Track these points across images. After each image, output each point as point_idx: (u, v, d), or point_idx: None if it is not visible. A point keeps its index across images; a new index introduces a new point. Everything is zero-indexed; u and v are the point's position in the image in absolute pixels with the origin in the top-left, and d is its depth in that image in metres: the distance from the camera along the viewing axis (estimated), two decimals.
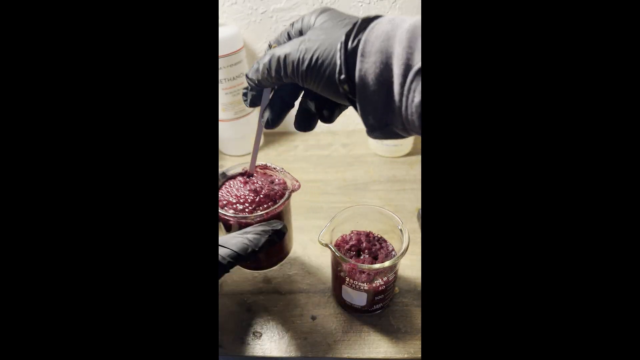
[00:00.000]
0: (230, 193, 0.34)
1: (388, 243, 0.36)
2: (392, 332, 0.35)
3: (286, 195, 0.34)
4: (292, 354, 0.33)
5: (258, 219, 0.32)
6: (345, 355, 0.33)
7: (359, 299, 0.34)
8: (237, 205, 0.32)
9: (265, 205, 0.32)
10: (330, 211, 0.49)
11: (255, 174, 0.36)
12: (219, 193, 0.34)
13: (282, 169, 0.36)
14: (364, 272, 0.32)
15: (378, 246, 0.36)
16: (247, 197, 0.32)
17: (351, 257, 0.35)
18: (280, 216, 0.35)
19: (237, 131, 0.60)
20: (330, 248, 0.32)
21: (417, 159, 0.59)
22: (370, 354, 0.33)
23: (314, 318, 0.36)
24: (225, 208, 0.33)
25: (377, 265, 0.30)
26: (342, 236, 0.36)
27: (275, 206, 0.33)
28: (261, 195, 0.33)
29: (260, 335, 0.35)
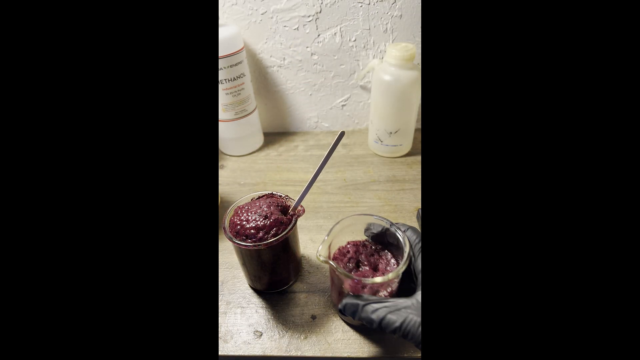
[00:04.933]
0: (240, 218, 0.34)
1: (386, 251, 0.35)
2: None
3: (293, 221, 0.34)
4: (292, 354, 0.33)
5: (270, 244, 0.32)
6: (345, 355, 0.33)
7: None
8: (249, 230, 0.33)
9: (275, 230, 0.33)
10: (330, 211, 0.49)
11: (261, 201, 0.36)
12: (229, 222, 0.34)
13: (287, 196, 0.37)
14: (366, 286, 0.31)
15: (376, 256, 0.34)
16: (257, 221, 0.33)
17: (350, 271, 0.33)
18: (289, 241, 0.35)
19: (237, 131, 0.60)
20: (330, 264, 0.30)
21: (417, 159, 0.59)
22: (370, 354, 0.33)
23: (314, 318, 0.36)
24: (237, 235, 0.33)
25: (379, 279, 0.29)
26: (339, 248, 0.35)
27: (286, 231, 0.33)
28: (273, 220, 0.33)
29: (260, 335, 0.35)
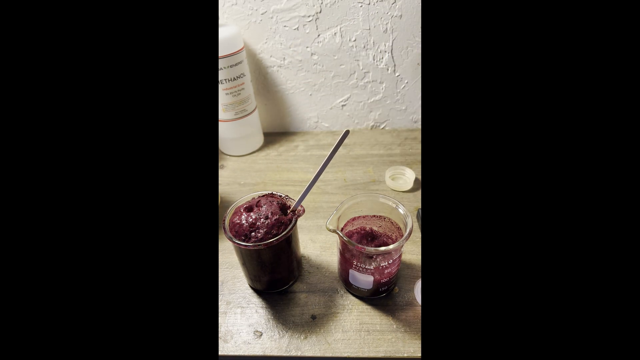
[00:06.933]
0: (240, 218, 0.34)
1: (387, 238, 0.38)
2: (392, 331, 0.35)
3: (293, 221, 0.35)
4: (292, 354, 0.33)
5: (270, 244, 0.33)
6: (345, 355, 0.33)
7: (366, 282, 0.35)
8: (250, 231, 0.33)
9: (275, 230, 0.33)
10: (330, 211, 0.49)
11: (262, 201, 0.36)
12: (229, 222, 0.35)
13: (287, 196, 0.37)
14: (371, 257, 0.34)
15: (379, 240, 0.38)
16: (257, 221, 0.33)
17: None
18: (290, 241, 0.36)
19: (237, 131, 0.60)
20: (339, 234, 0.33)
21: (417, 159, 0.59)
22: (370, 354, 0.33)
23: (314, 318, 0.36)
24: (237, 235, 0.33)
25: (382, 248, 0.32)
26: (344, 227, 0.38)
27: (286, 231, 0.33)
28: (273, 220, 0.33)
29: (260, 335, 0.35)
